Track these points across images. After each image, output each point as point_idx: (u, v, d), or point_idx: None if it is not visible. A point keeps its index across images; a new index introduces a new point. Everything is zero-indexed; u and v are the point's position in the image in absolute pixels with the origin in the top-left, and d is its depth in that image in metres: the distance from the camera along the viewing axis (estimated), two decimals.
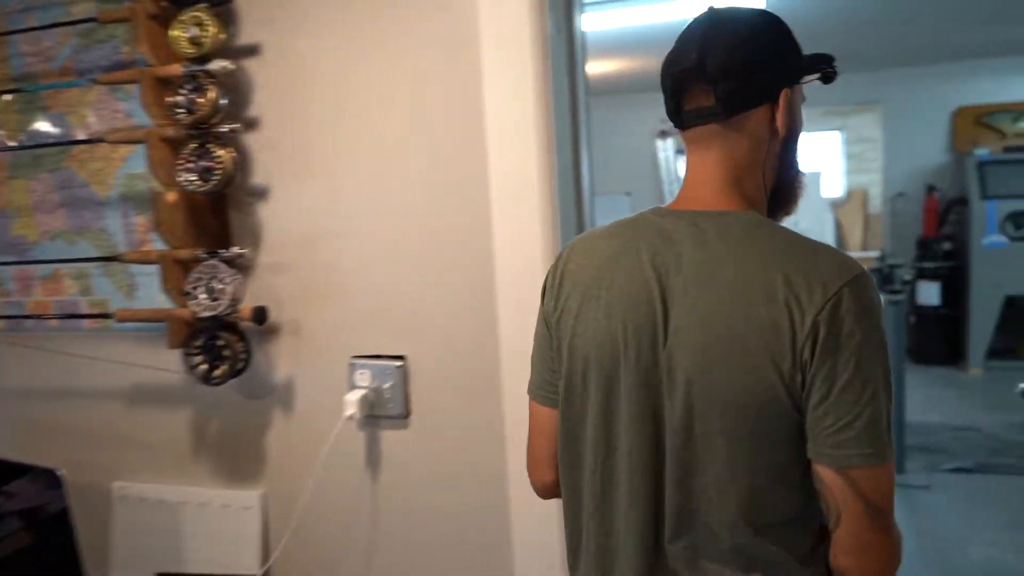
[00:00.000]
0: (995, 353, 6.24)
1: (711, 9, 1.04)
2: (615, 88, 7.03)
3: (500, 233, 1.49)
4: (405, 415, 1.59)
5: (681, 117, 1.04)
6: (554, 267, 1.13)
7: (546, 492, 1.19)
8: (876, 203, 12.60)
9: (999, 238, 6.05)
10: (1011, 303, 6.12)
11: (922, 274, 6.48)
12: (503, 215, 1.49)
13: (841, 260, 0.95)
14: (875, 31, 5.28)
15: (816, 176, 12.59)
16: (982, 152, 6.33)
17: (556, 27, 1.53)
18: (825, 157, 13.07)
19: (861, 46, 5.74)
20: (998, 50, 6.23)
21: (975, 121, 6.65)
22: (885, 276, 4.24)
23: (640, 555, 1.02)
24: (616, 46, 5.19)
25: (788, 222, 1.13)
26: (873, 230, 12.50)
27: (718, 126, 1.02)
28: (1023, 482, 4.13)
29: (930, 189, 6.56)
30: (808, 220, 12.49)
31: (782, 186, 1.08)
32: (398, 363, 1.57)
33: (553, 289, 1.11)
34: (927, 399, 5.51)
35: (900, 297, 4.10)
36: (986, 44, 5.95)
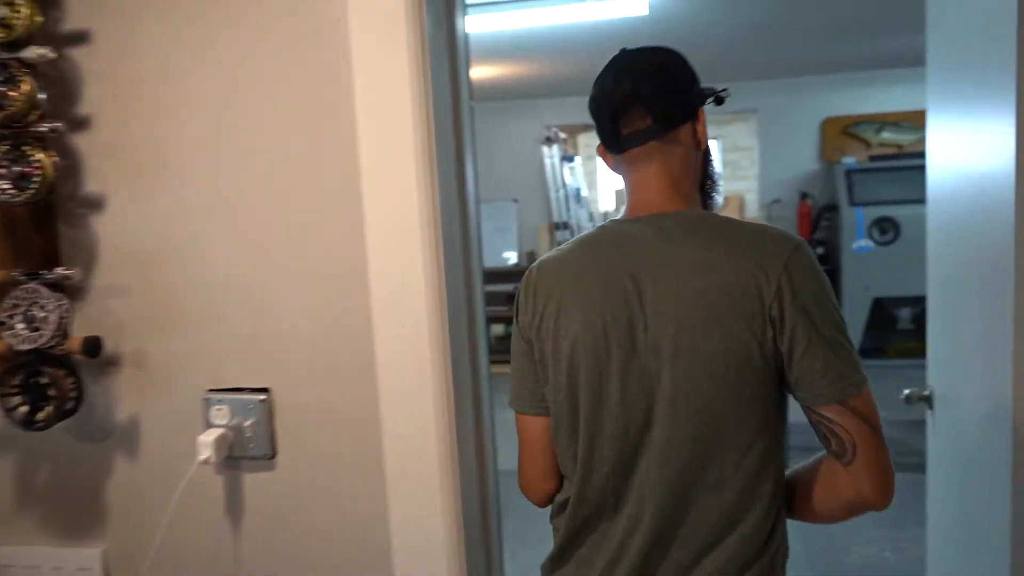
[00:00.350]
0: (864, 353, 6.54)
1: (624, 49, 1.24)
2: (501, 94, 6.95)
3: (375, 247, 1.33)
4: (271, 455, 1.40)
5: (620, 141, 1.20)
6: (524, 286, 1.23)
7: (548, 501, 1.27)
8: (752, 209, 13.12)
9: (867, 243, 6.34)
10: (878, 304, 6.43)
11: None
12: (378, 228, 1.33)
13: (784, 233, 1.12)
14: (750, 43, 5.42)
15: None
16: (849, 161, 6.63)
17: (436, 25, 1.39)
18: None
19: (736, 56, 5.89)
20: (862, 63, 6.54)
21: (842, 131, 6.96)
22: None
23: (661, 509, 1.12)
24: (501, 50, 5.10)
25: None
26: None
27: (656, 143, 1.18)
28: (901, 479, 4.28)
29: (803, 196, 6.82)
30: None
31: (710, 191, 1.27)
32: (261, 396, 1.38)
33: (528, 303, 1.21)
34: None
35: None
36: (851, 57, 6.24)
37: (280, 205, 1.36)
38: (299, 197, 1.36)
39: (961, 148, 1.76)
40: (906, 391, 2.06)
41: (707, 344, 1.07)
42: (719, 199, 1.30)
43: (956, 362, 1.87)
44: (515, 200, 7.57)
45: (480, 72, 5.72)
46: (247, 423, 1.37)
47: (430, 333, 1.33)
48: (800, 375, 1.08)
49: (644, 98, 1.17)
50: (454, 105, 1.51)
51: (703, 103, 1.21)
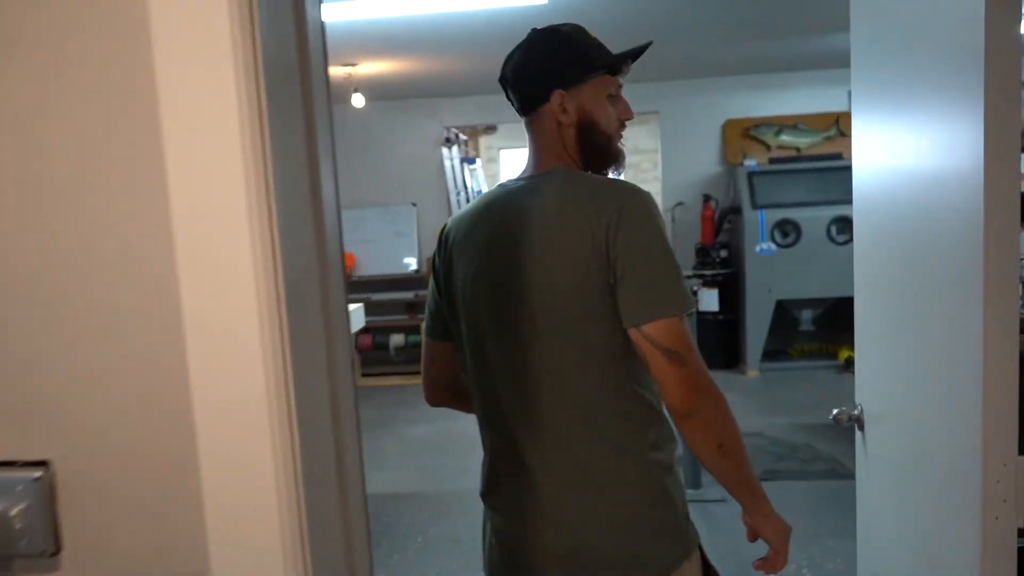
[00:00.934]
0: (768, 355, 6.52)
1: (532, 31, 1.43)
2: (398, 92, 6.60)
3: (188, 265, 1.00)
4: (53, 551, 1.04)
5: (518, 112, 1.45)
6: (439, 236, 1.48)
7: (435, 405, 1.59)
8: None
9: (769, 245, 6.31)
10: (780, 307, 6.41)
11: (701, 281, 6.63)
12: (193, 250, 0.99)
13: (626, 184, 1.30)
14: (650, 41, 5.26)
15: None
16: (751, 163, 6.59)
17: (270, 11, 1.06)
18: None
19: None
20: (762, 65, 6.52)
21: (743, 133, 6.93)
22: None
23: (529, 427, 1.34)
24: (395, 43, 4.76)
25: None
26: None
27: (529, 117, 1.42)
28: (806, 486, 4.19)
29: (706, 198, 6.75)
30: None
31: (596, 155, 1.41)
32: (37, 473, 1.02)
33: (440, 251, 1.47)
34: None
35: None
36: (751, 59, 6.19)
37: (60, 218, 1.01)
38: (86, 208, 1.00)
39: (896, 146, 1.57)
40: (835, 411, 1.89)
41: (562, 275, 1.26)
42: (618, 171, 1.45)
43: (891, 378, 1.68)
44: (414, 204, 7.23)
45: (373, 68, 5.36)
46: (15, 510, 1.01)
47: (267, 372, 1.00)
48: (618, 301, 1.24)
49: (509, 82, 1.43)
50: (304, 104, 1.19)
51: (570, 85, 1.38)
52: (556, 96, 1.38)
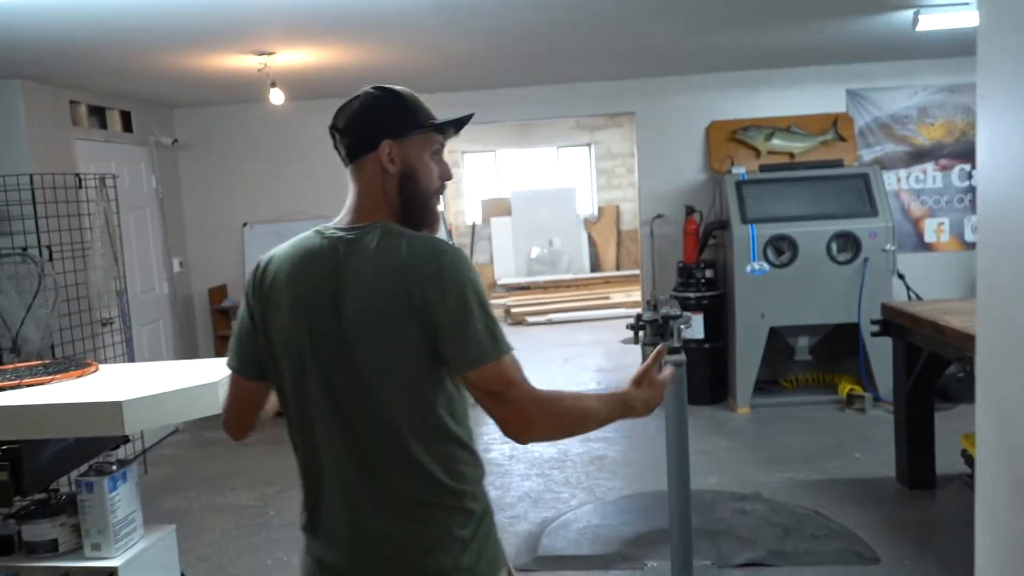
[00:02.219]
0: (759, 386, 5.74)
1: (365, 88, 1.56)
2: (330, 90, 5.71)
3: None
4: None
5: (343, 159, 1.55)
6: (255, 272, 1.54)
7: (239, 440, 1.66)
8: (631, 222, 12.40)
9: (761, 265, 5.53)
10: (774, 334, 5.64)
11: (684, 305, 5.83)
12: None
13: (440, 243, 1.43)
14: (618, 32, 4.45)
15: (570, 193, 12.16)
16: (739, 171, 5.81)
17: None
18: (576, 173, 12.74)
19: (606, 50, 4.93)
20: (748, 61, 5.75)
21: (729, 137, 6.15)
22: (660, 328, 3.35)
23: (355, 474, 1.45)
24: (321, 30, 3.89)
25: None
26: (627, 248, 12.27)
27: (353, 165, 1.52)
28: (822, 573, 3.40)
29: (689, 211, 5.96)
30: (562, 237, 12.03)
31: (412, 210, 1.51)
32: None
33: (256, 292, 1.51)
34: (701, 454, 4.78)
35: (680, 358, 3.21)
36: (736, 54, 5.41)
37: None
38: None
39: None
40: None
41: (383, 337, 1.38)
42: (438, 227, 1.58)
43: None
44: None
45: (295, 58, 4.48)
46: None
47: None
48: (442, 353, 1.38)
49: (340, 130, 1.53)
50: None
51: (398, 137, 1.48)
52: (385, 145, 1.47)
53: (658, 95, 6.22)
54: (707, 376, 5.80)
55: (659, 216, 6.26)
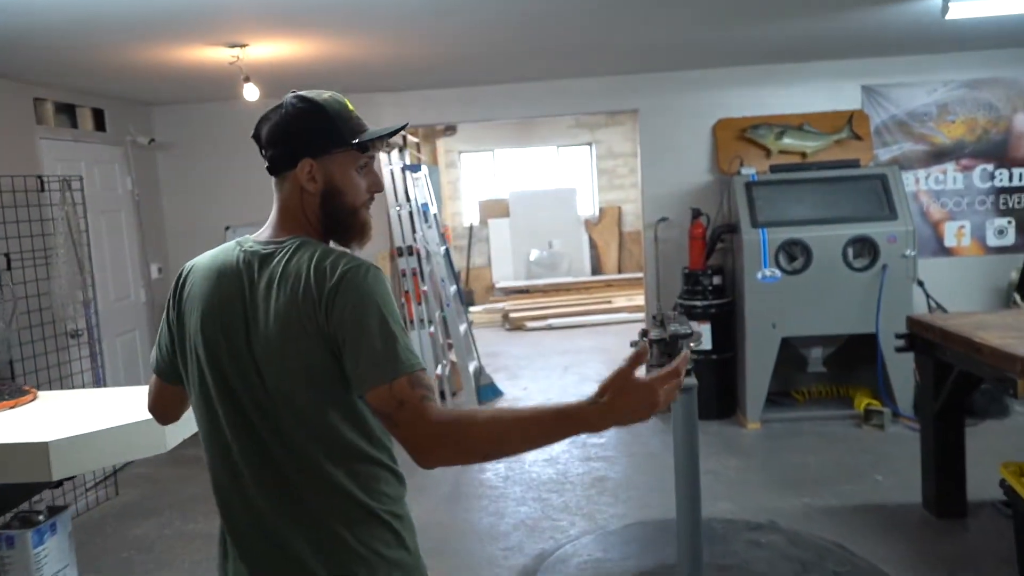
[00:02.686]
0: (770, 399, 5.41)
1: (290, 93, 1.50)
2: (317, 84, 5.39)
3: None
4: None
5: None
6: (178, 278, 1.52)
7: (166, 425, 1.77)
8: (633, 224, 12.06)
9: (772, 271, 5.20)
10: (786, 344, 5.31)
11: (690, 314, 5.51)
12: None
13: (350, 258, 1.38)
14: (619, 25, 4.13)
15: (570, 193, 11.82)
16: (749, 171, 5.48)
17: None
18: (576, 173, 12.39)
19: (608, 44, 4.60)
20: (758, 55, 5.42)
21: (738, 135, 5.82)
22: (668, 347, 3.03)
23: (258, 489, 1.41)
24: (301, 18, 3.56)
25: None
26: (629, 250, 11.93)
27: (278, 179, 1.48)
28: None
29: (695, 213, 5.63)
30: (562, 238, 11.69)
31: (339, 225, 1.48)
32: None
33: (175, 299, 1.50)
34: (709, 475, 4.45)
35: (691, 381, 2.88)
36: (745, 48, 5.08)
37: None
38: None
39: None
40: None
41: (287, 349, 1.34)
42: (361, 243, 1.51)
43: None
44: None
45: (270, 50, 4.15)
46: None
47: None
48: (345, 371, 1.33)
49: (262, 142, 1.48)
50: None
51: (317, 155, 1.44)
52: (304, 164, 1.43)
53: (662, 91, 5.88)
54: (715, 389, 5.47)
55: (663, 219, 5.93)
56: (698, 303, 5.49)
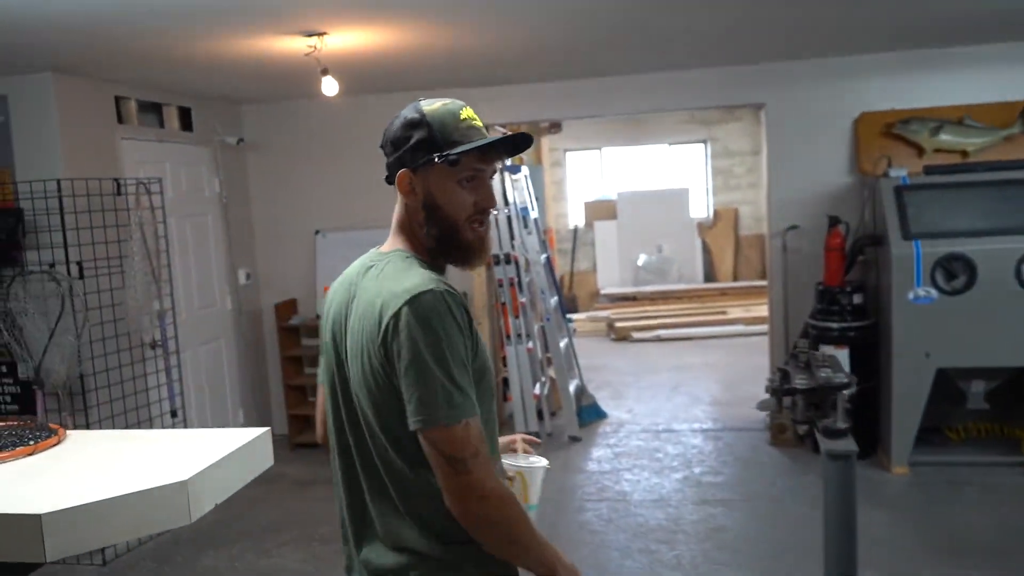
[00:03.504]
0: (921, 438, 4.63)
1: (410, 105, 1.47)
2: (407, 81, 4.98)
3: None
4: None
5: None
6: (329, 292, 1.56)
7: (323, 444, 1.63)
8: (747, 224, 11.22)
9: (927, 291, 4.43)
10: (941, 376, 4.53)
11: (824, 337, 4.80)
12: None
13: (418, 282, 1.31)
14: (741, 5, 3.50)
15: (682, 194, 11.10)
16: (899, 173, 4.71)
17: None
18: (689, 172, 11.64)
19: (731, 30, 3.97)
20: (908, 37, 4.65)
21: (884, 131, 5.05)
22: (815, 397, 2.39)
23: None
24: (372, 5, 3.14)
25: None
26: (745, 256, 11.10)
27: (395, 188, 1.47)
28: None
29: (833, 221, 4.90)
30: (673, 242, 10.97)
31: (444, 243, 1.43)
32: None
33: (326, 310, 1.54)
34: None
35: (850, 447, 2.27)
36: (892, 29, 4.33)
37: None
38: None
39: None
40: None
41: (362, 370, 1.35)
42: (481, 257, 1.46)
43: None
44: None
45: (354, 39, 3.74)
46: None
47: None
48: (405, 403, 1.30)
49: (382, 147, 1.48)
50: None
51: (414, 166, 1.41)
52: (402, 176, 1.42)
53: (793, 83, 5.17)
54: (853, 426, 4.72)
55: (793, 227, 5.22)
56: (834, 324, 4.77)
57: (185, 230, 5.00)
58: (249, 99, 5.62)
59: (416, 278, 1.32)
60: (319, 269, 5.74)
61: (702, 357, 8.01)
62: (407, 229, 1.44)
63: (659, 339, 8.96)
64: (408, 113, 1.42)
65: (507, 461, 1.56)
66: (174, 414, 4.20)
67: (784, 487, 4.49)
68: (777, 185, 5.29)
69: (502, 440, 1.64)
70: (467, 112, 1.42)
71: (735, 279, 10.67)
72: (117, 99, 4.49)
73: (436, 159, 1.37)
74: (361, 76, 4.57)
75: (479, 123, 1.43)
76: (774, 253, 5.31)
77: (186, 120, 5.13)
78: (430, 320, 1.27)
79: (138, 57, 3.88)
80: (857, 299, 4.79)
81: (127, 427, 4.15)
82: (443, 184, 1.40)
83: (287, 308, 5.70)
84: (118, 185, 4.13)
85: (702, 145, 11.16)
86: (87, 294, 3.91)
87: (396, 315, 1.28)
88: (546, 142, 10.58)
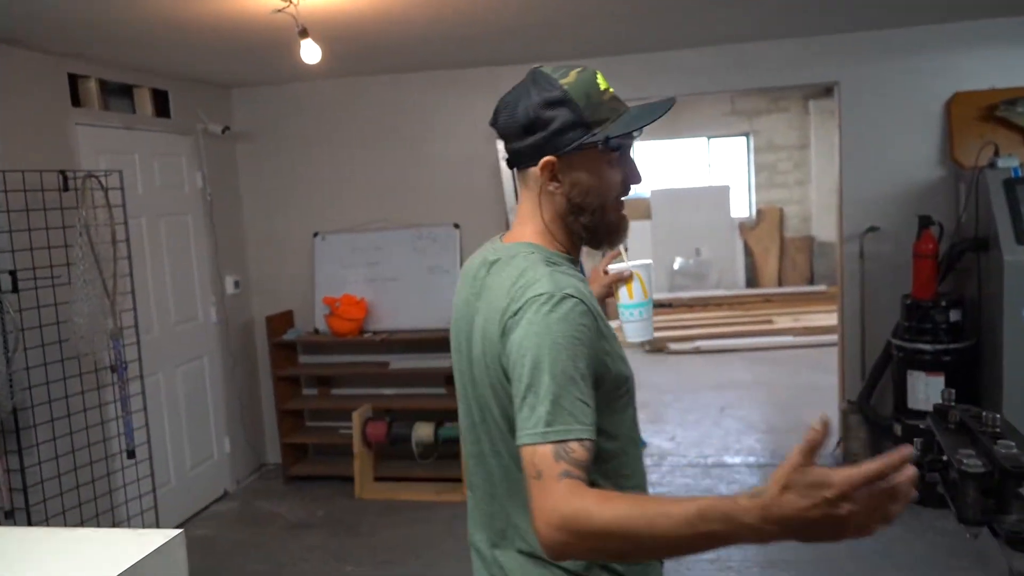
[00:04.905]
0: None
1: (530, 72, 1.31)
2: (421, 61, 4.24)
3: None
4: None
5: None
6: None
7: None
8: (793, 224, 10.37)
9: None
10: None
11: (914, 361, 4.00)
12: None
13: (545, 282, 1.19)
14: None
15: (722, 192, 10.27)
16: (1008, 163, 3.90)
17: None
18: (730, 168, 10.81)
19: None
20: (1016, 2, 3.83)
21: (984, 114, 4.23)
22: (994, 489, 1.64)
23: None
24: None
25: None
26: (791, 259, 10.24)
27: (518, 172, 1.33)
28: None
29: (923, 222, 4.09)
30: (712, 244, 10.14)
31: (584, 228, 1.31)
32: None
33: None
34: None
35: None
36: None
37: None
38: None
39: None
40: None
41: (484, 366, 1.26)
42: (613, 244, 1.36)
43: None
44: (456, 226, 4.89)
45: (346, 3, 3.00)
46: None
47: None
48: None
49: (499, 132, 1.32)
50: None
51: (550, 152, 1.26)
52: (546, 163, 1.27)
53: (871, 56, 4.37)
54: None
55: (872, 229, 4.41)
56: (926, 346, 3.97)
57: (159, 232, 4.31)
58: (239, 83, 4.93)
59: (547, 276, 1.21)
60: (318, 276, 5.03)
61: (749, 372, 7.20)
62: (534, 217, 1.32)
63: (698, 351, 8.16)
64: (543, 90, 1.26)
65: (617, 265, 1.53)
66: (131, 455, 3.49)
67: (871, 546, 3.70)
68: (851, 179, 4.48)
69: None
70: (603, 80, 1.30)
71: (779, 284, 9.82)
72: (73, 78, 3.80)
73: (599, 146, 1.25)
74: (348, 38, 3.83)
75: (613, 92, 1.30)
76: (848, 260, 4.50)
77: (162, 105, 4.44)
78: (554, 323, 1.17)
79: (91, 25, 3.19)
80: (954, 316, 3.98)
81: (75, 469, 3.46)
82: (595, 167, 1.28)
83: (281, 321, 4.99)
84: (65, 179, 3.44)
85: (744, 138, 10.32)
86: (24, 310, 3.23)
87: (518, 312, 1.19)
88: None
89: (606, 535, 1.03)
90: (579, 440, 1.10)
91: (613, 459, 1.26)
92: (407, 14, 3.30)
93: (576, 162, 1.26)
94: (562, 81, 1.25)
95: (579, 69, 1.28)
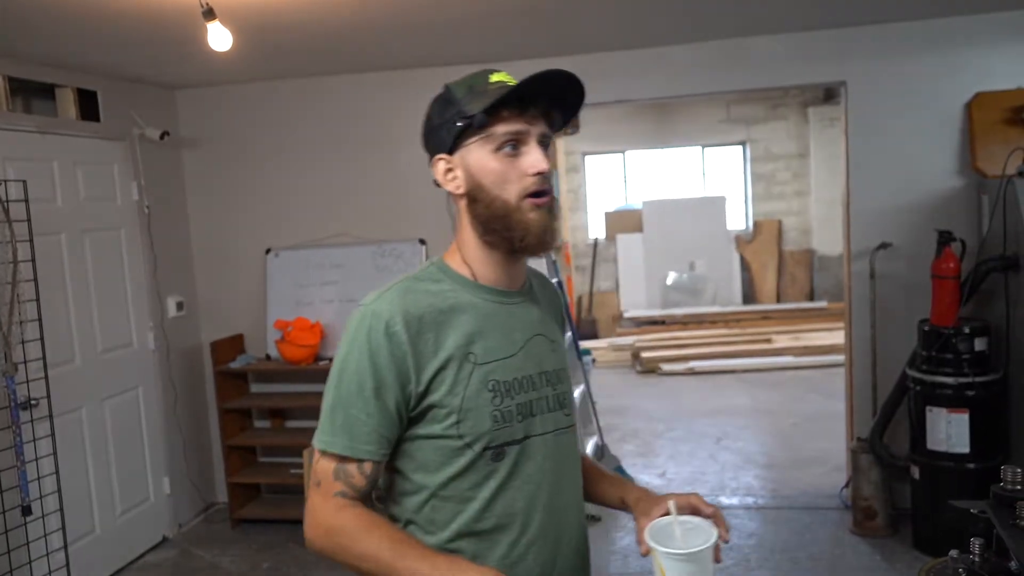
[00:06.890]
0: None
1: None
2: (373, 59, 3.77)
3: None
4: None
5: None
6: None
7: None
8: (792, 237, 9.91)
9: None
10: None
11: (934, 397, 3.54)
12: None
13: (373, 297, 1.21)
14: None
15: (718, 203, 9.82)
16: None
17: None
18: (726, 179, 10.36)
19: None
20: None
21: (1009, 118, 3.77)
22: (987, 552, 1.19)
23: None
24: None
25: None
26: (791, 274, 9.78)
27: None
28: None
29: (943, 238, 3.63)
30: (707, 258, 9.66)
31: (493, 231, 1.22)
32: None
33: None
34: None
35: None
36: None
37: None
38: None
39: None
40: None
41: None
42: (554, 239, 1.23)
43: None
44: (422, 241, 4.42)
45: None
46: None
47: None
48: None
49: (426, 149, 1.31)
50: None
51: (438, 150, 1.24)
52: (436, 162, 1.26)
53: (883, 53, 3.92)
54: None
55: (884, 246, 3.94)
56: (947, 379, 3.50)
57: (82, 249, 3.83)
58: (183, 84, 4.46)
59: (383, 291, 1.22)
60: (271, 296, 4.55)
61: (747, 396, 6.73)
62: (455, 228, 1.29)
63: (692, 372, 7.69)
64: (435, 97, 1.25)
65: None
66: (27, 511, 3.00)
67: None
68: (860, 191, 4.02)
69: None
70: (500, 75, 1.21)
71: (778, 300, 9.35)
72: None
73: (458, 124, 1.18)
74: (265, 24, 3.37)
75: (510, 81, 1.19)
76: (856, 280, 4.03)
77: (89, 107, 3.97)
78: (350, 335, 1.20)
79: None
80: (980, 344, 3.51)
81: None
82: (481, 160, 1.20)
83: (230, 346, 4.50)
84: None
85: (740, 147, 9.87)
86: None
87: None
88: (561, 144, 9.35)
89: (359, 559, 1.15)
90: (359, 462, 1.18)
91: (419, 502, 1.24)
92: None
93: (467, 158, 1.21)
94: (450, 82, 1.23)
95: (478, 70, 1.23)
